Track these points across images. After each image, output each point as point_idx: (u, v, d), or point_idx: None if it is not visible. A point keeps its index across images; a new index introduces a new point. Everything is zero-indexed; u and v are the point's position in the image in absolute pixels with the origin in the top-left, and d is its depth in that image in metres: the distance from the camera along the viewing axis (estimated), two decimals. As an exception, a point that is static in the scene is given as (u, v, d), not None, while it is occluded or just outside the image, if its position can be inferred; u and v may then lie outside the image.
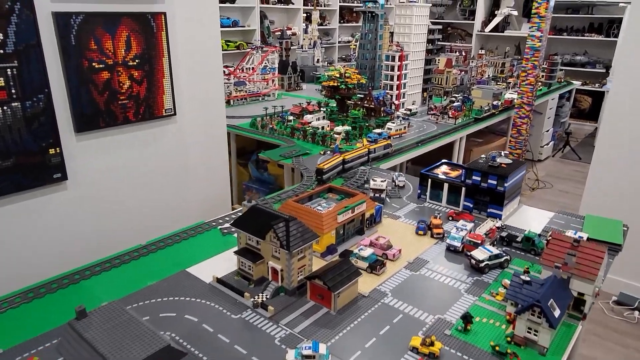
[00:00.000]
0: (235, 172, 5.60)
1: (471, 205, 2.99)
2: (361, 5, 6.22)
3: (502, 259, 2.38)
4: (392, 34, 6.60)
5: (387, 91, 5.50)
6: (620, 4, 10.45)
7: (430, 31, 6.48)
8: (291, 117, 5.18)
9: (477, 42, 12.44)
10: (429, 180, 3.15)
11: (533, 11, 5.85)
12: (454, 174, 3.16)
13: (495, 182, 2.84)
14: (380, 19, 6.23)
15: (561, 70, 9.46)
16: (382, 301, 2.12)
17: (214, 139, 4.05)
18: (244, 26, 9.20)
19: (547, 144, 8.59)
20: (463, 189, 2.99)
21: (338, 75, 5.40)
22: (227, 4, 8.77)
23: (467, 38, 12.77)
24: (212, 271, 2.29)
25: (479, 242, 2.48)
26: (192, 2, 3.54)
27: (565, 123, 10.03)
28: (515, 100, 6.34)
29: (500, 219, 2.89)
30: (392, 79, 5.98)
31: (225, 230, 2.80)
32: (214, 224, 2.89)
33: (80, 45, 2.91)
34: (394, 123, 4.87)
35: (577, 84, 9.91)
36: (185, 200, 3.86)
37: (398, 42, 6.13)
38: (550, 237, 2.13)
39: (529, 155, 8.35)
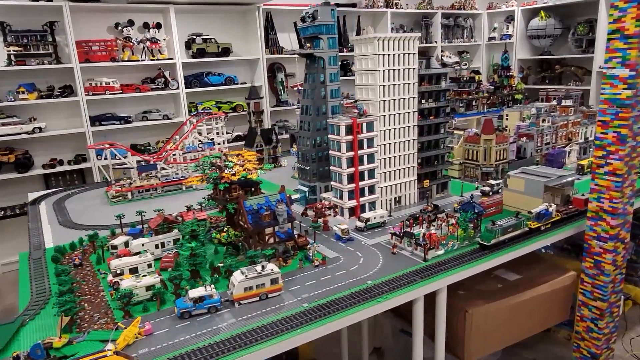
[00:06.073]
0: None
1: None
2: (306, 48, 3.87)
3: None
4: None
5: (285, 195, 2.99)
6: None
7: (427, 77, 3.78)
8: (117, 242, 3.02)
9: (598, 84, 8.76)
10: None
11: (610, 27, 2.83)
12: None
13: None
14: (330, 64, 3.80)
15: None
16: None
17: None
18: (244, 82, 7.40)
19: None
20: None
21: (215, 163, 3.13)
22: (223, 58, 7.10)
23: (586, 77, 9.12)
24: None
25: None
26: None
27: None
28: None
29: None
30: (339, 164, 3.44)
31: None
32: None
33: None
34: (243, 273, 2.36)
35: None
36: None
37: (355, 101, 3.61)
38: None
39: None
